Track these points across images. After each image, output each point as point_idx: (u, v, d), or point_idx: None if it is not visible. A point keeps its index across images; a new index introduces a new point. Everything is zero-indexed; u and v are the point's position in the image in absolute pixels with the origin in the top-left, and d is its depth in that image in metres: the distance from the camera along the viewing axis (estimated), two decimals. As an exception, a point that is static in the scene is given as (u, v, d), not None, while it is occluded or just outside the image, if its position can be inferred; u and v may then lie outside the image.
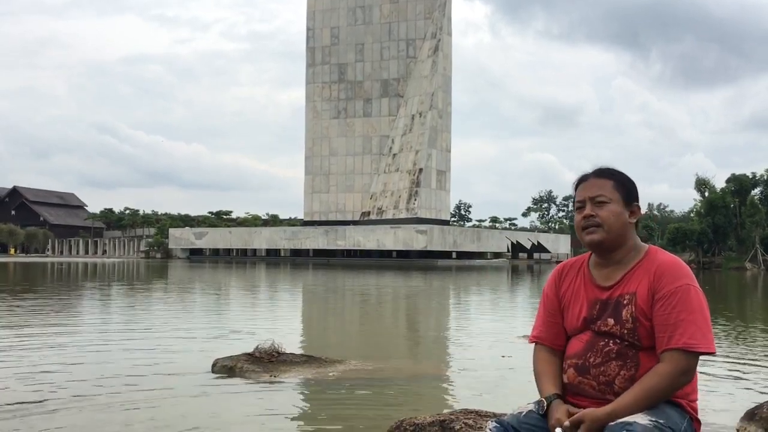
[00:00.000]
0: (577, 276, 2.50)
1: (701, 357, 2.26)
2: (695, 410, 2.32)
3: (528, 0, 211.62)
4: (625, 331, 2.30)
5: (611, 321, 2.34)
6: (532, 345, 2.60)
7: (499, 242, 79.80)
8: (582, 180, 2.48)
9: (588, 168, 2.52)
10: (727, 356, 8.15)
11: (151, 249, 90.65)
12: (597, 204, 2.39)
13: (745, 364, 7.73)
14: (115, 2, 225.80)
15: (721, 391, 6.08)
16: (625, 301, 2.33)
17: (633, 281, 2.34)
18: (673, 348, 2.20)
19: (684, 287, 2.25)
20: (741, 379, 6.81)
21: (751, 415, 4.63)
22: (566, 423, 2.19)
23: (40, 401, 5.38)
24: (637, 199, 2.44)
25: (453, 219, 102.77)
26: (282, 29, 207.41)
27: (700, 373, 2.34)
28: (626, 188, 2.42)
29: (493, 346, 9.07)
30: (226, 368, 6.72)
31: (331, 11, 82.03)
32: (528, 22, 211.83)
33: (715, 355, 2.76)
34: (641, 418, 2.13)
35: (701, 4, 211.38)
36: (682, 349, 2.19)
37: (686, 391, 2.28)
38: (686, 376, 2.23)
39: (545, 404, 2.32)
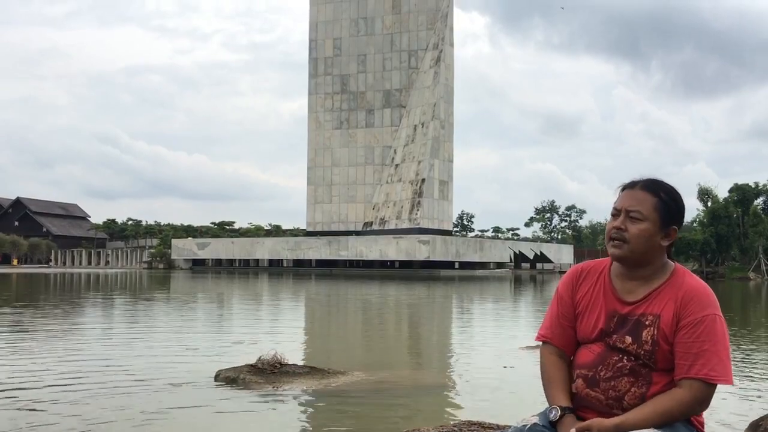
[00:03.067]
0: (597, 282, 2.41)
1: None
2: (701, 423, 2.31)
3: (527, 10, 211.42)
4: (642, 352, 2.25)
5: (629, 339, 2.27)
6: (538, 345, 2.52)
7: (502, 252, 79.62)
8: (628, 186, 2.35)
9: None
10: (732, 367, 8.11)
11: (154, 259, 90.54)
12: (630, 219, 2.28)
13: (749, 374, 7.71)
14: (115, 13, 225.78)
15: (726, 403, 6.05)
16: (647, 322, 2.26)
17: (657, 302, 2.27)
18: (692, 377, 2.18)
19: (711, 317, 2.21)
20: (745, 390, 6.78)
21: (755, 427, 4.61)
22: (573, 430, 2.16)
23: (35, 409, 5.38)
24: (677, 222, 2.30)
25: (455, 229, 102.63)
26: (282, 39, 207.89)
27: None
28: (668, 211, 2.29)
29: (496, 356, 9.05)
30: (228, 379, 6.71)
31: (333, 22, 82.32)
32: (528, 33, 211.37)
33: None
34: (648, 430, 2.12)
35: (701, 14, 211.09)
36: (701, 380, 2.17)
37: None
38: (702, 405, 2.21)
39: (559, 413, 2.24)
